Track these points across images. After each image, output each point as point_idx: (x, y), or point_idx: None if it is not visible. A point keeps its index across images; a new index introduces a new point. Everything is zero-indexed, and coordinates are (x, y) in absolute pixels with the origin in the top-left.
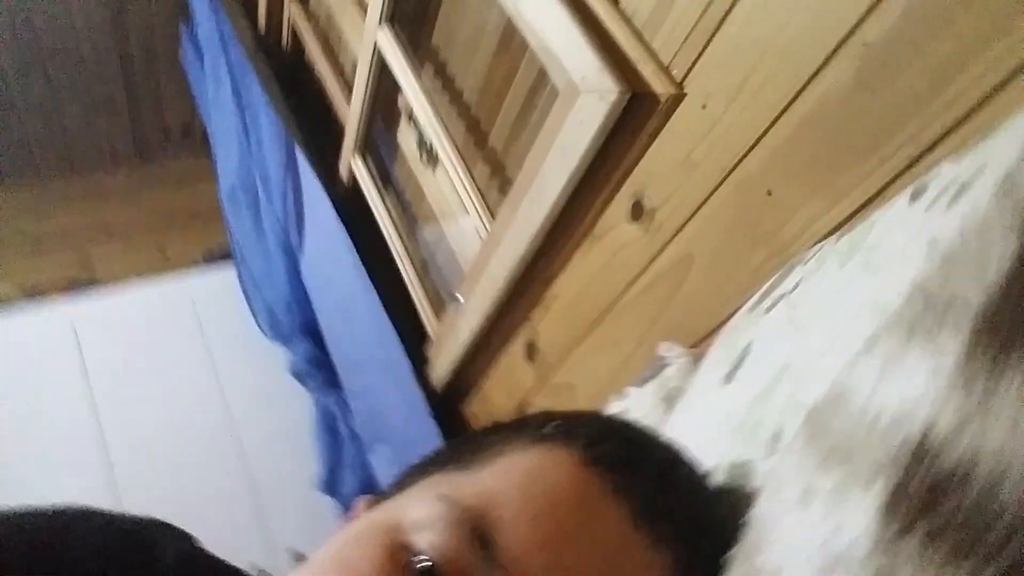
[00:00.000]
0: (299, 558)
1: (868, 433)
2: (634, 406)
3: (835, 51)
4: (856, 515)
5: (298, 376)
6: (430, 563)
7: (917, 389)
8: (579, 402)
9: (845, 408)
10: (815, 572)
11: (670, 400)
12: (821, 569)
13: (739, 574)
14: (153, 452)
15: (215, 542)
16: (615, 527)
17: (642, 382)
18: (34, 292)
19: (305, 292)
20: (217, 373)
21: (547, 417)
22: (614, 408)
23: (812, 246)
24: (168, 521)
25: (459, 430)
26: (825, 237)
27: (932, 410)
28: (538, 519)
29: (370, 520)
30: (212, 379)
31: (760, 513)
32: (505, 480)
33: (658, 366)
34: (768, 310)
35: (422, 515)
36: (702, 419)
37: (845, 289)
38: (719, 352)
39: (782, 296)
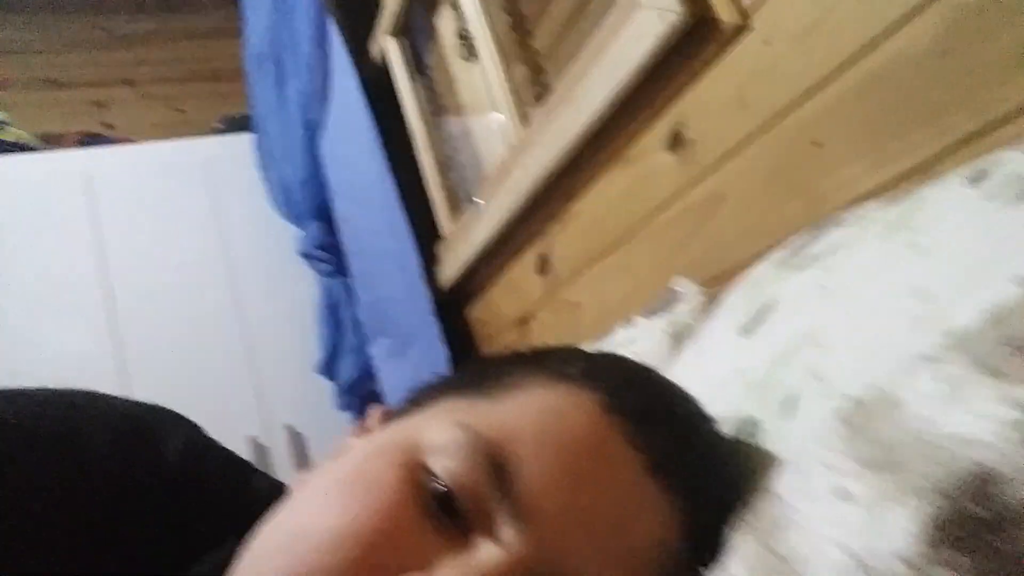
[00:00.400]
0: (295, 436)
1: (923, 452)
2: (641, 336)
3: (924, 5)
4: (898, 528)
5: (306, 257)
6: (446, 488)
7: (987, 429)
8: (585, 322)
9: (896, 417)
10: (843, 568)
11: (678, 337)
12: (848, 568)
13: (757, 548)
14: (157, 314)
15: (213, 412)
16: (631, 476)
17: (652, 313)
18: (48, 135)
19: (322, 172)
20: (226, 244)
21: (570, 354)
22: (620, 335)
23: (850, 207)
24: (175, 411)
25: (462, 333)
26: (865, 200)
27: (1002, 454)
28: (557, 460)
29: (389, 437)
30: (220, 249)
31: (782, 491)
32: (526, 416)
33: (670, 300)
34: (798, 268)
35: (441, 439)
36: (714, 366)
37: (886, 266)
38: (739, 301)
39: (815, 257)
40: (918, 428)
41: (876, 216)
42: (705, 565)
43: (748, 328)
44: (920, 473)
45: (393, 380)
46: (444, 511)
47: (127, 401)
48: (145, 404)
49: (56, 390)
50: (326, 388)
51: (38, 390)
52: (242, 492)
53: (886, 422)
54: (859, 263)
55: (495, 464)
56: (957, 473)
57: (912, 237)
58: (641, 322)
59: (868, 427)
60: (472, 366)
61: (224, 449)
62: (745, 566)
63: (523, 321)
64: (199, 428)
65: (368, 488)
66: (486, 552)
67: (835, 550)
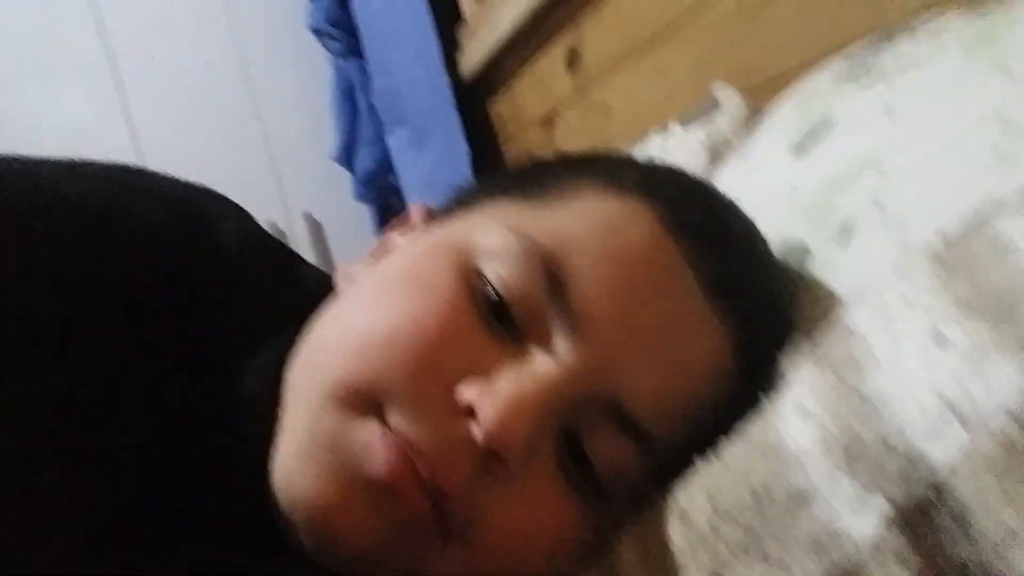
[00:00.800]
0: (313, 224)
1: None
2: (676, 146)
3: None
4: (1005, 379)
5: (318, 33)
6: (500, 295)
7: None
8: (615, 125)
9: (1006, 262)
10: (932, 415)
11: (716, 150)
12: (940, 415)
13: (832, 382)
14: (166, 90)
15: (229, 195)
16: (686, 293)
17: (689, 121)
18: None
19: None
20: (232, 17)
21: (625, 163)
22: (654, 143)
23: (925, 16)
24: (223, 194)
25: (483, 128)
26: (943, 7)
27: None
28: (613, 272)
29: (439, 237)
30: (226, 24)
31: (859, 327)
32: (581, 225)
33: (709, 108)
34: (861, 83)
35: (494, 244)
36: (759, 184)
37: (966, 88)
38: (791, 115)
39: (881, 72)
40: None
41: (956, 29)
42: (758, 391)
43: (801, 146)
44: None
45: (411, 173)
46: (498, 318)
47: (176, 179)
48: (195, 183)
49: (103, 163)
50: (344, 176)
51: (83, 163)
52: (293, 281)
53: (993, 266)
54: (933, 83)
55: (550, 273)
56: None
57: (999, 56)
58: (677, 130)
59: (968, 269)
60: (520, 169)
61: (275, 239)
62: (816, 398)
63: (548, 120)
64: (249, 213)
65: (423, 289)
66: (541, 361)
67: (928, 395)
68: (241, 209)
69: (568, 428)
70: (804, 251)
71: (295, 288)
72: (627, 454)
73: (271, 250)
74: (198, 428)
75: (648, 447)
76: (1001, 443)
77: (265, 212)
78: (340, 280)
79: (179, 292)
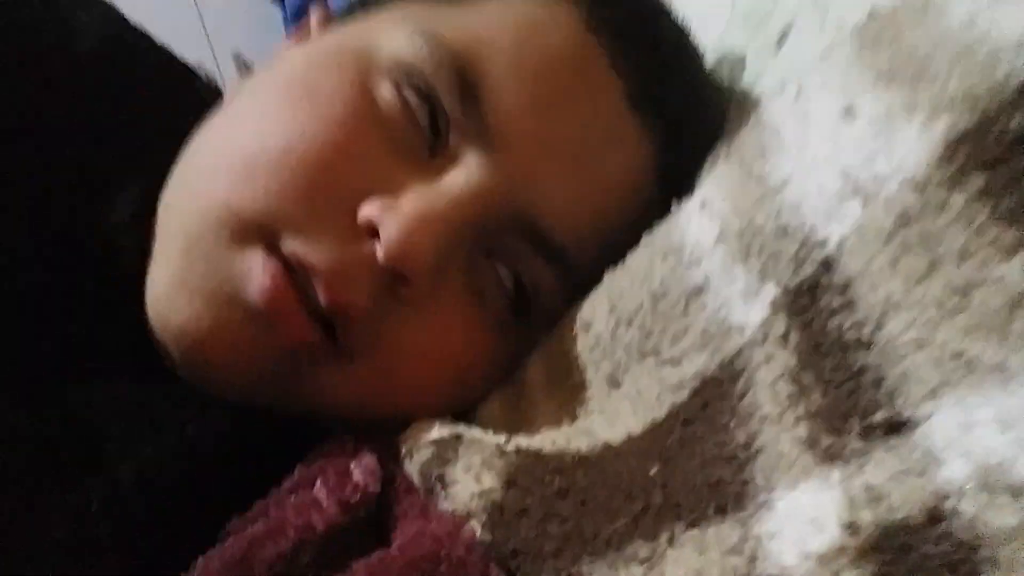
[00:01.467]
0: (243, 63)
1: (954, 58)
2: None
3: None
4: (907, 145)
5: None
6: (407, 105)
7: None
8: None
9: (926, 23)
10: (831, 193)
11: None
12: (840, 192)
13: (737, 173)
14: None
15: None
16: (610, 105)
17: None
18: None
19: None
20: None
21: None
22: None
23: None
24: None
25: None
26: None
27: None
28: (532, 80)
29: (336, 43)
30: None
31: (775, 118)
32: (498, 28)
33: None
34: None
35: (400, 48)
36: None
37: None
38: None
39: None
40: (952, 32)
41: None
42: (678, 201)
43: None
44: (945, 82)
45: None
46: (404, 131)
47: None
48: None
49: None
50: (276, 15)
51: None
52: (181, 96)
53: (913, 29)
54: None
55: (463, 80)
56: (995, 79)
57: None
58: None
59: (890, 38)
60: None
61: (150, 39)
62: (719, 191)
63: None
64: (120, 14)
65: (319, 100)
66: (452, 178)
67: (830, 173)
68: (112, 9)
69: (481, 249)
70: (739, 61)
71: (181, 103)
72: (542, 275)
73: (144, 52)
74: (71, 258)
75: (564, 267)
76: (893, 211)
77: (194, 52)
78: (227, 94)
79: (20, 103)
